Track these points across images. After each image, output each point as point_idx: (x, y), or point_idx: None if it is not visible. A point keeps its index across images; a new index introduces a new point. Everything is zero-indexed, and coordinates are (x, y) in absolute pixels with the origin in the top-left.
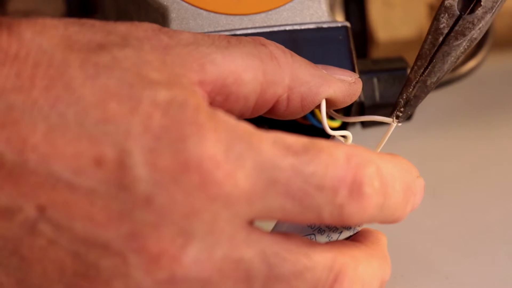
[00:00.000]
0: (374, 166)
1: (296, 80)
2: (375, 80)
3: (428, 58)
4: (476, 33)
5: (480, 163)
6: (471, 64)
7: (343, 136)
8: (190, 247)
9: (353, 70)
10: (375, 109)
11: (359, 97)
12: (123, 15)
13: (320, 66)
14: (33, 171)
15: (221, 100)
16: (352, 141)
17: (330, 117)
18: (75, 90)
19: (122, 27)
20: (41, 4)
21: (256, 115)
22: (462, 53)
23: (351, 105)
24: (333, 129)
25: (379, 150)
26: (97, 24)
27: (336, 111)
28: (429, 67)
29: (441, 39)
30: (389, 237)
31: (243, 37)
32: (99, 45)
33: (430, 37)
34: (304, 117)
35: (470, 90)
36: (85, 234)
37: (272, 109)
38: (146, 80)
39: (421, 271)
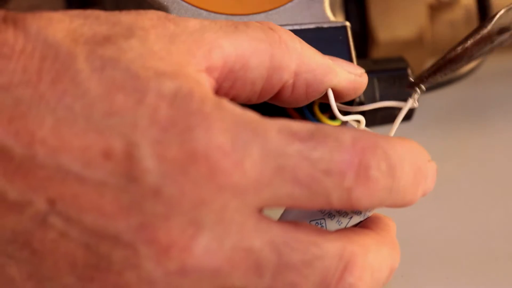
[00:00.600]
0: (381, 149)
1: (303, 66)
2: (375, 80)
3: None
4: (507, 39)
5: (480, 163)
6: (471, 64)
7: (357, 121)
8: (200, 237)
9: None
10: (375, 109)
11: (359, 97)
12: None
13: (327, 57)
14: (42, 165)
15: (229, 85)
16: None
17: (330, 117)
18: (82, 83)
19: (127, 17)
20: (41, 3)
21: (262, 100)
22: (487, 53)
23: (351, 105)
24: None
25: (392, 134)
26: (102, 15)
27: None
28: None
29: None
30: None
31: (252, 22)
32: (104, 37)
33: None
34: (304, 117)
35: (470, 90)
36: (95, 226)
37: (277, 94)
38: (152, 71)
39: (421, 271)
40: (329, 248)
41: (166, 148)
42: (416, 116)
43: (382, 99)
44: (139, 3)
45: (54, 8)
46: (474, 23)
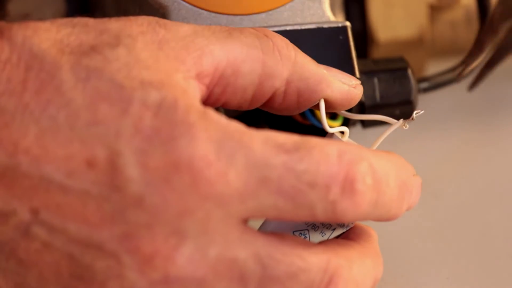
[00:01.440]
0: (366, 163)
1: (295, 74)
2: (375, 80)
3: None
4: None
5: (480, 163)
6: (471, 64)
7: (341, 132)
8: (184, 246)
9: (354, 70)
10: (375, 109)
11: None
12: (123, 15)
13: (322, 66)
14: (25, 174)
15: (219, 91)
16: (353, 140)
17: (330, 117)
18: (66, 93)
19: (115, 24)
20: (41, 4)
21: (253, 107)
22: None
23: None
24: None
25: (375, 147)
26: (90, 23)
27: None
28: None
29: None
30: (389, 237)
31: (246, 28)
32: (90, 47)
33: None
34: (304, 117)
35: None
36: (79, 235)
37: (268, 101)
38: (137, 81)
39: (421, 271)
40: (314, 261)
41: (149, 157)
42: (416, 116)
43: (382, 99)
44: (140, 3)
45: (54, 11)
46: (474, 23)
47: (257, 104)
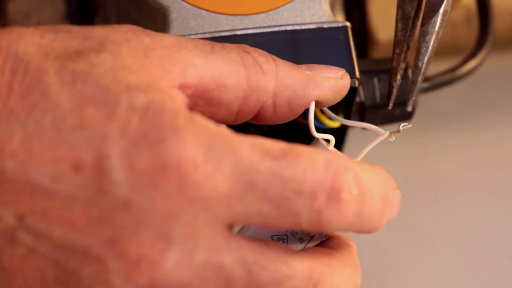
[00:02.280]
0: (352, 173)
1: (280, 85)
2: (375, 80)
3: (405, 43)
4: (445, 5)
5: (480, 163)
6: (471, 64)
7: (327, 140)
8: (170, 251)
9: (353, 70)
10: (375, 109)
11: (360, 97)
12: (123, 15)
13: (304, 66)
14: (11, 179)
15: (203, 104)
16: (352, 141)
17: (329, 118)
18: (52, 97)
19: (99, 31)
20: (41, 4)
21: (240, 122)
22: (440, 28)
23: (351, 105)
24: (333, 129)
25: (360, 158)
26: (74, 29)
27: (336, 112)
28: (416, 51)
29: (410, 22)
30: (389, 237)
31: (227, 44)
32: (75, 52)
33: (399, 24)
34: (304, 117)
35: (470, 90)
36: (65, 240)
37: (259, 115)
38: (123, 85)
39: (421, 271)
40: (298, 268)
41: (136, 160)
42: (416, 116)
43: (382, 99)
44: (140, 5)
45: (54, 11)
46: (474, 23)
47: (245, 118)
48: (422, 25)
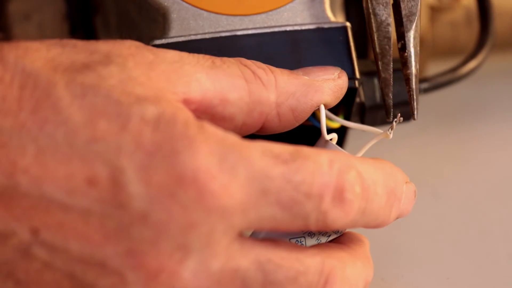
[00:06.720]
0: (354, 171)
1: (282, 95)
2: (375, 80)
3: (391, 51)
4: (419, 5)
5: (480, 163)
6: (471, 64)
7: (331, 138)
8: (188, 261)
9: (353, 70)
10: (375, 109)
11: (360, 97)
12: (123, 16)
13: (300, 71)
14: (25, 194)
15: (207, 119)
16: (352, 140)
17: (329, 118)
18: (63, 110)
19: (104, 46)
20: (41, 4)
21: (245, 134)
22: (418, 31)
23: (352, 106)
24: (332, 129)
25: (361, 154)
26: (79, 44)
27: (336, 113)
28: (403, 59)
29: (390, 29)
30: (389, 237)
31: (227, 58)
32: (83, 65)
33: (379, 33)
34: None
35: (470, 90)
36: (81, 254)
37: (265, 127)
38: (133, 97)
39: (422, 271)
40: (310, 263)
41: (152, 172)
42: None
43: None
44: (140, 5)
45: (54, 12)
46: (474, 24)
47: (250, 131)
48: (407, 30)
